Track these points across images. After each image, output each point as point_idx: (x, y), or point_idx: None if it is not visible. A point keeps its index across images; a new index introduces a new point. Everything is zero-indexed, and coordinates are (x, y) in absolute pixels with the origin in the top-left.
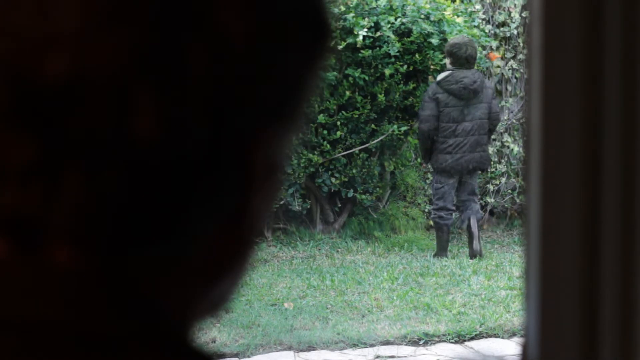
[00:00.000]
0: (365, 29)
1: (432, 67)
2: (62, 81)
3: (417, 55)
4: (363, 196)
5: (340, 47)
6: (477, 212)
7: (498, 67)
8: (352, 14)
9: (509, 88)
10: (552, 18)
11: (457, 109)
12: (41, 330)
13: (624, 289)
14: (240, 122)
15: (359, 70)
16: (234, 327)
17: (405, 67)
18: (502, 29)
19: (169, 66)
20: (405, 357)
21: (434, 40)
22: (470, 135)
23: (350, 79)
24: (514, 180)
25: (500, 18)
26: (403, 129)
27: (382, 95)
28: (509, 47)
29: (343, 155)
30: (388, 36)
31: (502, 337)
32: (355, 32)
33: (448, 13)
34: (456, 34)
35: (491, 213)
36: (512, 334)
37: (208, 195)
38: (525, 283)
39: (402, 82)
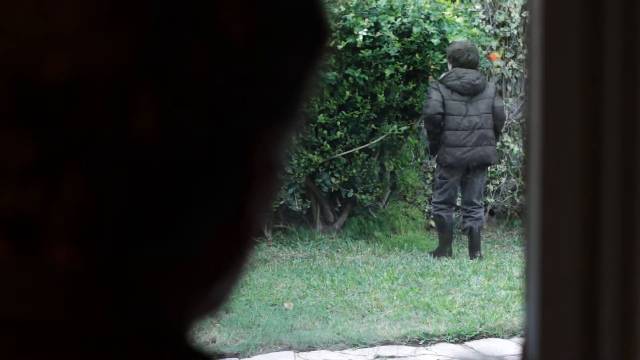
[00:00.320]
0: (365, 29)
1: (432, 67)
2: (62, 81)
3: (417, 55)
4: (363, 196)
5: (340, 47)
6: (480, 219)
7: (498, 67)
8: (352, 14)
9: (509, 88)
10: (552, 18)
11: (462, 102)
12: (41, 330)
13: (624, 289)
14: (240, 122)
15: (359, 70)
16: (234, 327)
17: (405, 67)
18: (502, 29)
19: (169, 66)
20: (405, 357)
21: (434, 40)
22: (477, 129)
23: (350, 79)
24: (514, 180)
25: (500, 18)
26: (403, 129)
27: (382, 95)
28: (509, 47)
29: (343, 155)
30: (388, 36)
31: (502, 337)
32: (355, 32)
33: (448, 13)
34: (456, 34)
35: (491, 213)
36: (512, 334)
37: (208, 195)
38: (525, 283)
39: (402, 82)
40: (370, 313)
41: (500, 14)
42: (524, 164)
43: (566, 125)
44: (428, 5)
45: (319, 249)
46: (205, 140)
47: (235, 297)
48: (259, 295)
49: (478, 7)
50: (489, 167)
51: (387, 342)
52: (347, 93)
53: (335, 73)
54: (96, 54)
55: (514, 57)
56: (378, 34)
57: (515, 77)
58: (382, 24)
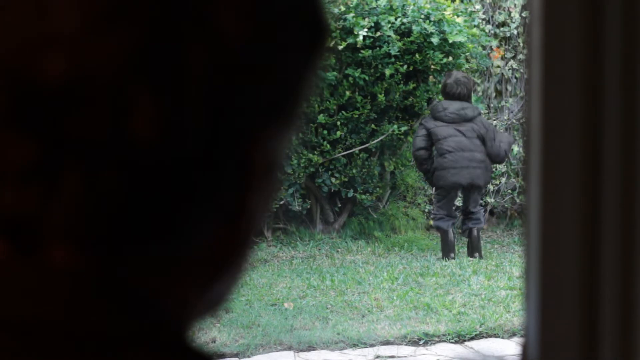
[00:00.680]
0: (366, 29)
1: (432, 67)
2: (61, 81)
3: (417, 55)
4: (363, 196)
5: (340, 47)
6: (479, 221)
7: (498, 67)
8: (352, 14)
9: (509, 88)
10: (552, 18)
11: (449, 127)
12: (40, 330)
13: (624, 289)
14: (240, 122)
15: (359, 70)
16: (234, 327)
17: (405, 67)
18: (502, 29)
19: (168, 66)
20: (405, 357)
21: (434, 40)
22: (467, 151)
23: (350, 79)
24: (514, 180)
25: (500, 18)
26: (403, 129)
27: (382, 95)
28: (509, 47)
29: (343, 155)
30: (389, 36)
31: (502, 337)
32: (355, 32)
33: (448, 13)
34: (456, 34)
35: (491, 213)
36: (512, 334)
37: (207, 195)
38: (525, 283)
39: (402, 82)
40: (370, 313)
41: (500, 14)
42: (524, 164)
43: (566, 125)
44: (428, 5)
45: (319, 249)
46: (205, 140)
47: (235, 297)
48: (259, 295)
49: (478, 7)
50: (482, 187)
51: (387, 342)
52: (347, 93)
53: (335, 73)
54: (95, 54)
55: (514, 57)
56: (378, 33)
57: (515, 77)
58: (383, 23)
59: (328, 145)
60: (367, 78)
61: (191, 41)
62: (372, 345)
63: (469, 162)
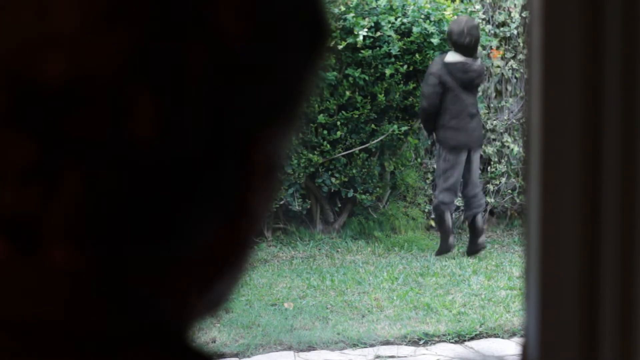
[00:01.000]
0: (366, 29)
1: None
2: (61, 81)
3: (417, 55)
4: (363, 196)
5: (340, 47)
6: (482, 206)
7: (498, 67)
8: (352, 14)
9: (509, 88)
10: (552, 18)
11: (462, 93)
12: (40, 330)
13: (624, 289)
14: (240, 122)
15: (359, 70)
16: (234, 327)
17: (405, 67)
18: (502, 29)
19: (168, 67)
20: (405, 357)
21: (434, 40)
22: (476, 117)
23: (350, 79)
24: (514, 180)
25: (500, 18)
26: (403, 129)
27: (382, 95)
28: (509, 47)
29: (343, 155)
30: (389, 36)
31: (502, 337)
32: (356, 32)
33: (448, 13)
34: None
35: (491, 213)
36: (512, 334)
37: (207, 195)
38: (525, 283)
39: (402, 82)
40: (370, 313)
41: (500, 14)
42: (524, 164)
43: (566, 125)
44: (428, 5)
45: (319, 249)
46: (205, 140)
47: (235, 297)
48: (259, 295)
49: (478, 7)
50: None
51: (387, 342)
52: (347, 93)
53: (335, 73)
54: (95, 54)
55: (514, 57)
56: (378, 33)
57: (515, 77)
58: (383, 23)
59: (328, 145)
60: (367, 78)
61: (191, 41)
62: (372, 345)
63: (478, 128)
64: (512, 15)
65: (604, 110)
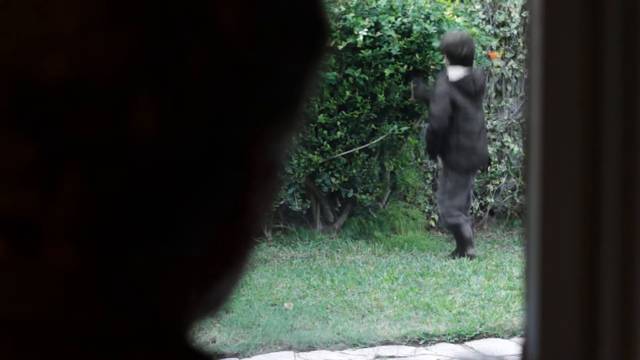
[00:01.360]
0: (366, 29)
1: (432, 67)
2: (61, 82)
3: (417, 55)
4: (363, 196)
5: (340, 47)
6: (470, 217)
7: (498, 67)
8: (352, 14)
9: (509, 88)
10: (552, 18)
11: (472, 105)
12: (40, 330)
13: (624, 289)
14: (240, 122)
15: (359, 70)
16: (234, 327)
17: (405, 67)
18: (502, 29)
19: (168, 67)
20: (405, 357)
21: (435, 40)
22: (483, 132)
23: (350, 79)
24: (514, 180)
25: (500, 18)
26: (403, 129)
27: (382, 95)
28: (509, 47)
29: (343, 155)
30: (389, 35)
31: (502, 337)
32: (356, 32)
33: (448, 13)
34: None
35: (491, 213)
36: (512, 334)
37: (207, 195)
38: (525, 283)
39: (402, 82)
40: (370, 313)
41: (500, 14)
42: (524, 164)
43: (566, 125)
44: (428, 5)
45: (319, 249)
46: (205, 140)
47: (235, 297)
48: (259, 295)
49: (478, 7)
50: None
51: (387, 342)
52: (347, 93)
53: (335, 73)
54: (95, 54)
55: (514, 57)
56: (378, 33)
57: (515, 77)
58: (383, 23)
59: (328, 145)
60: (367, 78)
61: (191, 41)
62: (372, 345)
63: (484, 145)
64: (512, 15)
65: (604, 110)
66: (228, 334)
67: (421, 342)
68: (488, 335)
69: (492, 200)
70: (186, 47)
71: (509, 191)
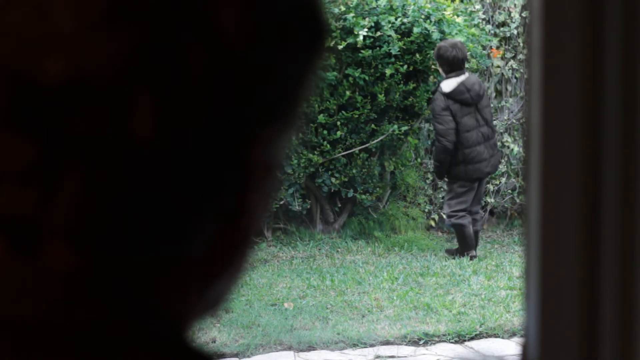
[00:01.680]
0: (366, 29)
1: (432, 67)
2: (61, 82)
3: (417, 55)
4: (363, 196)
5: (340, 47)
6: (482, 220)
7: (498, 67)
8: (352, 14)
9: (509, 88)
10: (552, 18)
11: (471, 115)
12: (40, 330)
13: (624, 289)
14: (239, 121)
15: (359, 70)
16: (234, 327)
17: (405, 67)
18: (502, 29)
19: (168, 67)
20: (405, 357)
21: (435, 40)
22: (490, 140)
23: (350, 79)
24: (514, 180)
25: (500, 18)
26: (403, 129)
27: (382, 95)
28: (509, 47)
29: (343, 155)
30: (389, 35)
31: (502, 337)
32: (356, 32)
33: (448, 13)
34: (456, 33)
35: (491, 213)
36: (512, 334)
37: (207, 195)
38: (525, 283)
39: (402, 82)
40: (370, 313)
41: (500, 14)
42: (524, 164)
43: (566, 125)
44: (428, 5)
45: (319, 249)
46: (204, 140)
47: (235, 297)
48: (259, 295)
49: (478, 7)
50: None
51: (387, 342)
52: (347, 93)
53: (335, 73)
54: (95, 54)
55: (514, 57)
56: (378, 33)
57: (515, 77)
58: (383, 23)
59: (328, 145)
60: (367, 78)
61: (191, 41)
62: (372, 345)
63: (494, 151)
64: (512, 15)
65: (604, 110)
66: (228, 334)
67: (421, 342)
68: (488, 335)
69: (492, 200)
70: (186, 47)
71: (509, 191)
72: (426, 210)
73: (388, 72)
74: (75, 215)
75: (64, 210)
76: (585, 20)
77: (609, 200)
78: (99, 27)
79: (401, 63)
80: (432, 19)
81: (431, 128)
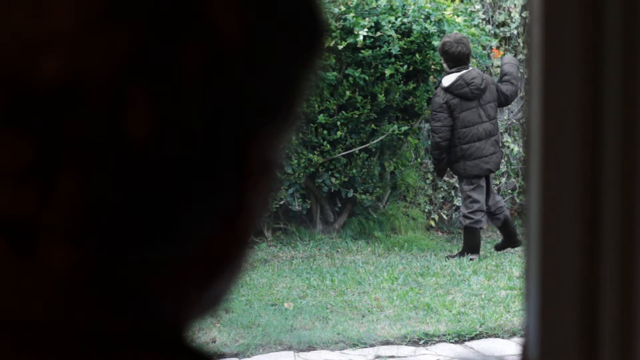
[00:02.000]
0: (366, 29)
1: (432, 67)
2: (57, 81)
3: (417, 55)
4: (363, 196)
5: (340, 47)
6: (504, 208)
7: (498, 67)
8: (352, 14)
9: None
10: (552, 18)
11: (472, 111)
12: (40, 330)
13: (624, 289)
14: (237, 121)
15: (359, 70)
16: (234, 327)
17: (405, 67)
18: (502, 29)
19: (165, 66)
20: (405, 357)
21: (435, 40)
22: (491, 136)
23: (350, 79)
24: (514, 180)
25: (500, 18)
26: (403, 129)
27: (382, 95)
28: (509, 47)
29: (343, 155)
30: (389, 35)
31: (502, 337)
32: (356, 32)
33: (448, 13)
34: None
35: None
36: (512, 334)
37: (205, 195)
38: (525, 283)
39: (402, 82)
40: (370, 313)
41: (500, 14)
42: (524, 164)
43: (566, 125)
44: (428, 5)
45: (319, 249)
46: (201, 139)
47: (235, 297)
48: (259, 295)
49: (478, 7)
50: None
51: (387, 342)
52: (347, 93)
53: (335, 73)
54: (92, 54)
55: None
56: (378, 33)
57: None
58: (383, 23)
59: (328, 145)
60: (367, 78)
61: (188, 41)
62: (372, 345)
63: (496, 147)
64: (512, 15)
65: (604, 110)
66: (228, 334)
67: (421, 342)
68: (488, 335)
69: None
70: (182, 47)
71: (509, 191)
72: (426, 210)
73: (388, 72)
74: (73, 215)
75: (61, 210)
76: (585, 20)
77: (609, 200)
78: (95, 27)
79: (401, 63)
80: (432, 19)
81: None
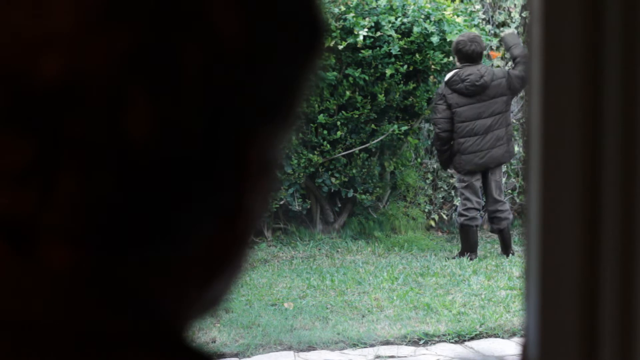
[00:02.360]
0: (366, 29)
1: (432, 67)
2: (57, 81)
3: (417, 55)
4: (363, 196)
5: (340, 47)
6: (507, 218)
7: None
8: (352, 14)
9: None
10: (552, 18)
11: (470, 107)
12: (39, 330)
13: (624, 289)
14: (236, 121)
15: (359, 70)
16: (234, 327)
17: (405, 67)
18: (502, 29)
19: (164, 66)
20: (405, 357)
21: (435, 40)
22: (491, 132)
23: (350, 79)
24: (514, 180)
25: (500, 18)
26: (403, 129)
27: (382, 95)
28: None
29: (343, 155)
30: (389, 35)
31: (502, 337)
32: (356, 32)
33: (448, 13)
34: (456, 33)
35: None
36: (512, 334)
37: (204, 195)
38: (525, 283)
39: (402, 82)
40: (370, 313)
41: (500, 14)
42: (524, 164)
43: (566, 125)
44: (428, 5)
45: (319, 249)
46: (201, 139)
47: (235, 297)
48: (259, 295)
49: (478, 7)
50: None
51: (387, 342)
52: (347, 93)
53: (335, 73)
54: (91, 54)
55: None
56: (378, 33)
57: None
58: (383, 23)
59: (328, 145)
60: (367, 78)
61: (188, 41)
62: (372, 345)
63: (497, 142)
64: (512, 15)
65: (604, 110)
66: (228, 334)
67: (421, 342)
68: (488, 335)
69: None
70: (182, 47)
71: (509, 191)
72: (426, 210)
73: (388, 72)
74: (73, 215)
75: (61, 210)
76: (585, 20)
77: (609, 200)
78: (95, 27)
79: (401, 63)
80: (432, 19)
81: (431, 128)
